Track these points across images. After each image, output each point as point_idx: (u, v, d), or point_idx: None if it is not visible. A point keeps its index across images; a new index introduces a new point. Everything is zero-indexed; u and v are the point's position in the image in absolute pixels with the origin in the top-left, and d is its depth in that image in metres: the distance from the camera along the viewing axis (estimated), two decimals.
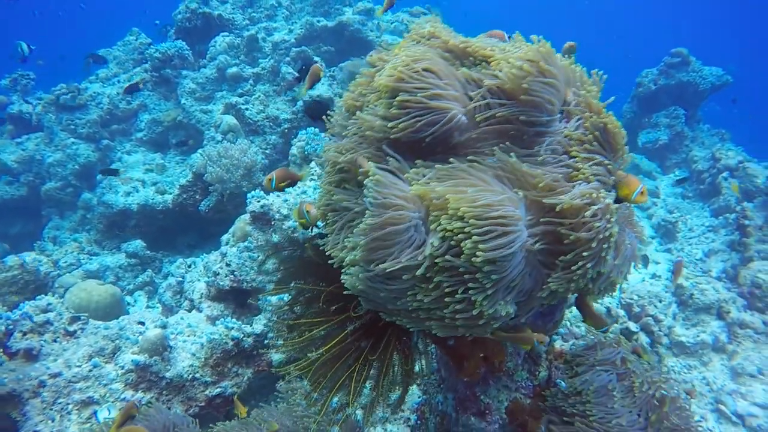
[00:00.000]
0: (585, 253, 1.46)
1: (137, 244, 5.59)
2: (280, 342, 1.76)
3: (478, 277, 1.38)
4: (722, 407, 3.78)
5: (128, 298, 5.41)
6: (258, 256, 3.75)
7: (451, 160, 1.57)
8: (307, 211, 1.73)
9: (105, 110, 6.82)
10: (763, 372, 3.98)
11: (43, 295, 5.07)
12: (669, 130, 8.62)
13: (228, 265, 3.76)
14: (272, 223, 3.80)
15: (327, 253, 1.65)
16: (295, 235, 3.47)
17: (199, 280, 4.08)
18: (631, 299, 4.28)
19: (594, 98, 1.87)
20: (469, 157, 1.63)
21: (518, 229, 1.47)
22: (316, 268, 1.88)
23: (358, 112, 1.72)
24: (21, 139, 6.98)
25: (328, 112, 1.80)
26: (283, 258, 1.94)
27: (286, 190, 4.03)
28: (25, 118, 7.19)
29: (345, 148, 1.71)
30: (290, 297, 1.89)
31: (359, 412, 2.10)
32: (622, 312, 4.15)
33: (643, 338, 4.00)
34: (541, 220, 1.53)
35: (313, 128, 5.02)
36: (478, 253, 1.32)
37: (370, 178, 1.44)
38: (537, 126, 1.61)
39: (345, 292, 1.68)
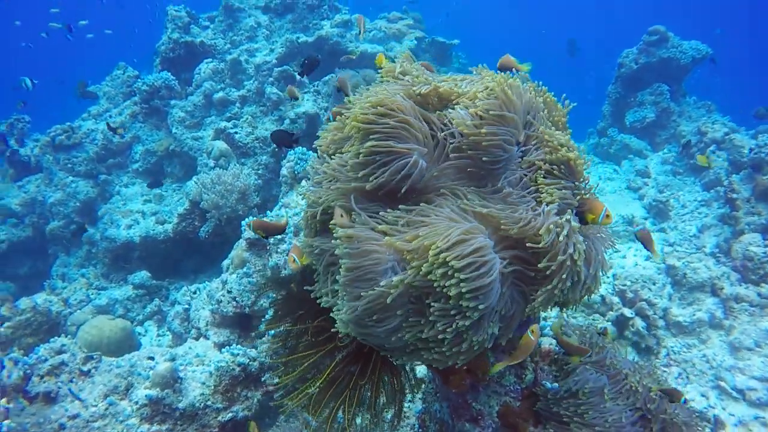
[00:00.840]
0: (563, 275, 1.60)
1: (142, 275, 5.75)
2: (276, 380, 1.89)
3: (465, 310, 1.50)
4: (722, 383, 3.88)
5: (139, 329, 5.57)
6: (257, 281, 3.89)
7: (421, 205, 1.69)
8: (294, 260, 1.85)
9: (100, 146, 6.98)
10: (760, 344, 4.07)
11: (56, 337, 5.26)
12: (655, 107, 8.68)
13: (229, 292, 3.89)
14: (268, 247, 3.94)
15: (314, 295, 1.78)
16: (281, 274, 3.60)
17: (203, 308, 4.22)
18: (625, 285, 4.38)
19: (562, 125, 1.99)
20: (435, 202, 1.75)
21: (493, 257, 1.60)
22: (302, 303, 2.00)
23: (326, 164, 1.85)
24: (22, 181, 7.16)
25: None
26: (273, 299, 2.06)
27: (281, 214, 4.16)
28: (24, 161, 7.37)
29: (322, 197, 1.83)
30: (282, 333, 2.01)
31: None
32: (616, 299, 4.25)
33: (639, 323, 4.10)
34: (517, 254, 1.66)
35: (301, 148, 5.14)
36: (462, 288, 1.44)
37: (340, 234, 1.56)
38: (496, 164, 1.74)
39: (332, 323, 1.81)
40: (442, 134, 1.80)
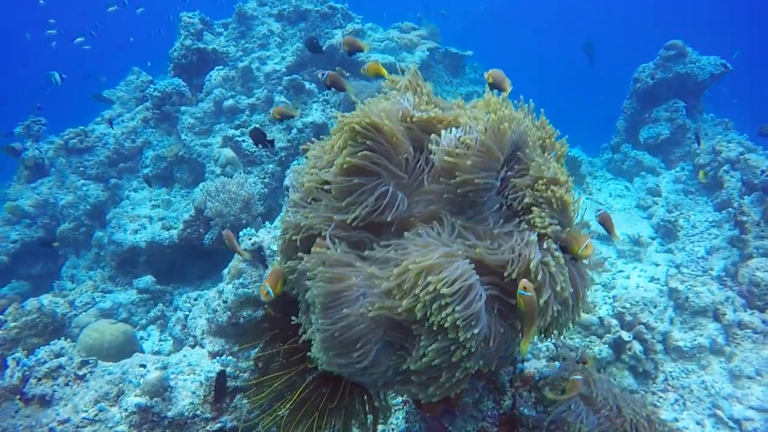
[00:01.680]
0: (548, 310, 1.59)
1: (147, 279, 5.83)
2: (245, 402, 1.90)
3: (463, 341, 1.49)
4: (719, 412, 3.78)
5: (142, 333, 5.65)
6: (252, 291, 3.92)
7: (404, 235, 1.69)
8: (268, 292, 1.86)
9: (112, 150, 7.12)
10: (761, 373, 3.96)
11: (56, 339, 5.36)
12: (670, 124, 8.54)
13: (225, 302, 3.93)
14: (265, 259, 3.97)
15: (294, 323, 1.78)
16: (255, 294, 3.62)
17: (200, 316, 4.27)
18: (624, 307, 4.31)
19: (558, 157, 1.97)
20: (416, 229, 1.74)
21: (476, 279, 1.60)
22: (276, 323, 2.01)
23: (309, 180, 1.86)
24: (35, 183, 7.34)
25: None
26: (247, 318, 2.08)
27: (275, 225, 4.20)
28: (38, 163, 7.56)
29: (304, 221, 1.83)
30: (255, 353, 2.02)
31: None
32: (614, 321, 4.18)
33: (636, 347, 4.02)
34: (494, 280, 1.66)
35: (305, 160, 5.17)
36: (456, 315, 1.44)
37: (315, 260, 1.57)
38: (478, 195, 1.74)
39: (304, 347, 1.82)
40: (430, 157, 1.79)
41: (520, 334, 1.68)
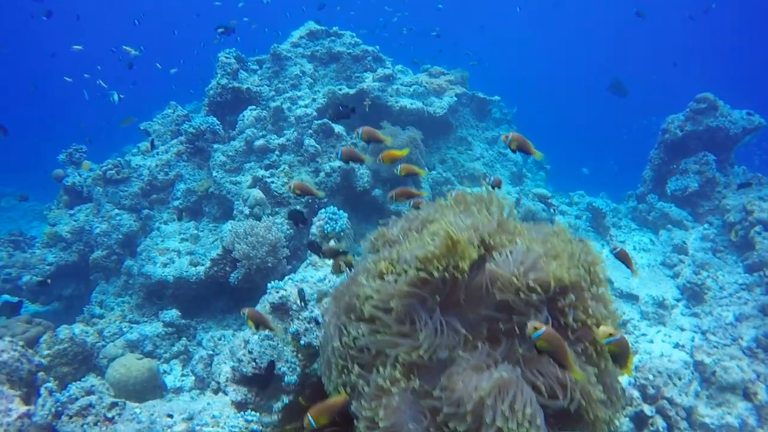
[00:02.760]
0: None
1: (173, 313, 5.98)
2: None
3: None
4: None
5: (164, 366, 5.77)
6: (277, 344, 4.00)
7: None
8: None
9: (145, 181, 7.38)
10: None
11: (89, 367, 5.52)
12: (699, 177, 8.45)
13: (250, 352, 4.02)
14: (290, 313, 4.06)
15: None
16: (301, 341, 3.70)
17: (225, 363, 4.36)
18: (647, 378, 4.25)
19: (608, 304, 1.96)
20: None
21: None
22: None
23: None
24: (74, 210, 7.64)
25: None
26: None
27: (304, 278, 4.30)
28: (77, 190, 7.88)
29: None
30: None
31: None
32: (636, 393, 4.12)
33: (660, 422, 3.95)
34: None
35: (332, 207, 5.30)
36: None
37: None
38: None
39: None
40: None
41: None
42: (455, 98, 8.09)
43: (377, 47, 8.47)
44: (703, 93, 8.62)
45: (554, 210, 7.73)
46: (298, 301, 3.99)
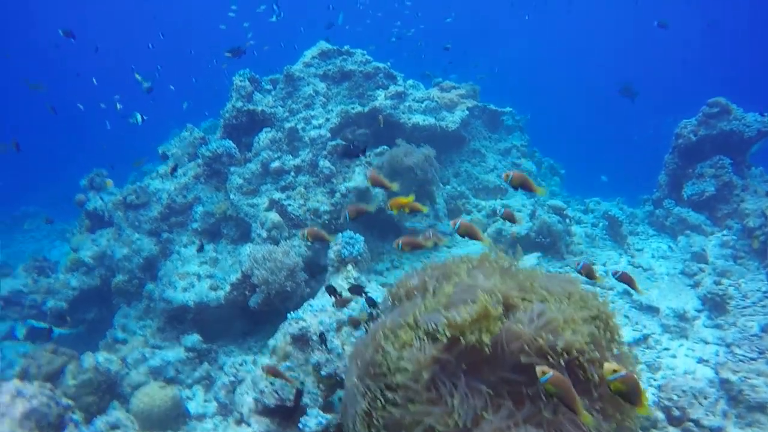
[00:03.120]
0: None
1: (194, 339, 6.07)
2: None
3: None
4: None
5: (187, 392, 5.86)
6: (299, 375, 4.05)
7: None
8: None
9: (164, 205, 7.51)
10: None
11: (113, 395, 5.62)
12: (715, 181, 8.34)
13: (272, 384, 4.07)
14: (310, 343, 4.11)
15: None
16: (322, 372, 3.75)
17: (247, 393, 4.42)
18: (671, 399, 4.21)
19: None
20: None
21: None
22: None
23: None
24: (95, 234, 7.80)
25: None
26: None
27: (323, 307, 4.34)
28: (99, 214, 8.06)
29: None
30: None
31: None
32: (661, 415, 4.09)
33: None
34: None
35: (349, 232, 5.35)
36: None
37: None
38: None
39: None
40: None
41: None
42: (467, 112, 8.10)
43: (388, 63, 8.52)
44: (715, 98, 8.51)
45: (570, 221, 7.69)
46: (320, 345, 4.02)
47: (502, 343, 1.74)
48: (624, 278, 4.01)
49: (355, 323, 3.50)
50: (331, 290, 3.93)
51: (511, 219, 3.52)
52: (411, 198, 3.34)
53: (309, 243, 4.89)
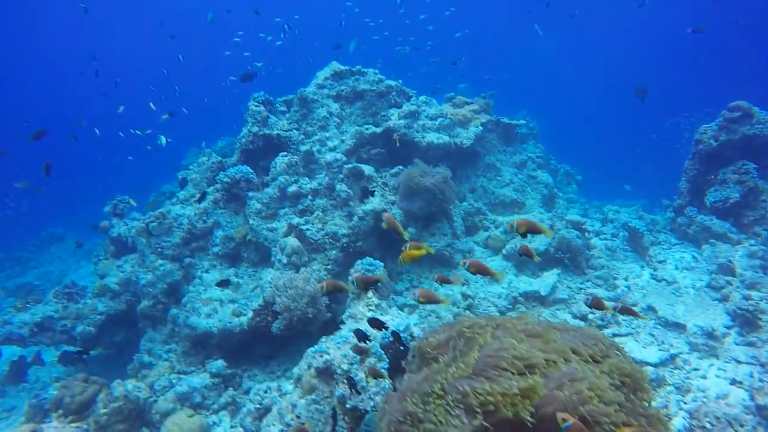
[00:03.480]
0: None
1: (219, 364, 6.16)
2: None
3: None
4: None
5: (213, 418, 5.94)
6: (324, 409, 4.08)
7: None
8: None
9: (186, 230, 7.64)
10: None
11: (143, 423, 5.72)
12: (740, 186, 8.17)
13: (298, 417, 4.12)
14: (335, 377, 4.14)
15: None
16: (347, 405, 3.78)
17: (274, 425, 4.47)
18: (704, 427, 4.13)
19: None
20: None
21: None
22: None
23: None
24: (120, 261, 7.98)
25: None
26: None
27: (346, 339, 4.37)
28: (122, 240, 8.24)
29: None
30: None
31: None
32: None
33: None
34: None
35: (369, 259, 5.38)
36: None
37: None
38: None
39: None
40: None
41: None
42: (480, 127, 8.08)
43: (400, 81, 8.56)
44: (736, 101, 8.35)
45: (589, 234, 7.60)
46: (342, 366, 4.05)
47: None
48: (625, 311, 3.92)
49: (375, 374, 3.55)
50: (361, 336, 3.97)
51: (529, 254, 3.51)
52: (423, 251, 3.42)
53: (327, 293, 4.96)
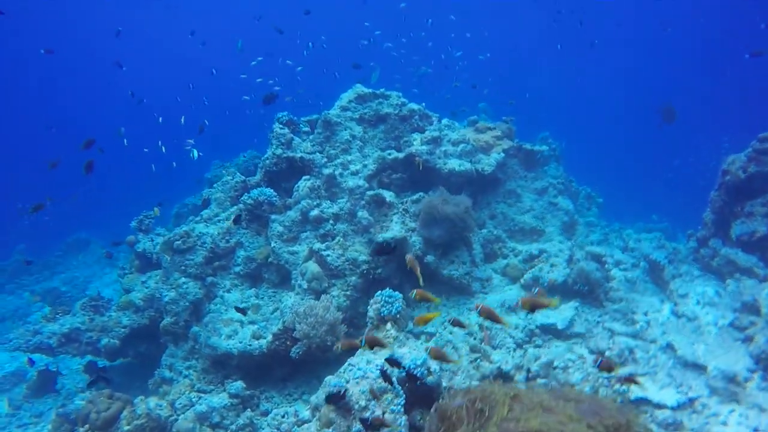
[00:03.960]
0: None
1: (238, 385, 6.29)
2: None
3: None
4: None
5: None
6: None
7: None
8: None
9: (209, 249, 7.83)
10: None
11: None
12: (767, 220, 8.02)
13: None
14: (352, 412, 4.22)
15: None
16: None
17: None
18: None
19: None
20: None
21: None
22: None
23: None
24: (145, 276, 8.21)
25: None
26: None
27: (365, 373, 4.45)
28: (147, 256, 8.48)
29: None
30: None
31: None
32: None
33: None
34: None
35: (388, 290, 5.46)
36: None
37: None
38: None
39: None
40: None
41: None
42: (502, 154, 8.12)
43: (423, 104, 8.66)
44: (766, 132, 8.22)
45: (609, 266, 7.55)
46: (360, 402, 4.13)
47: None
48: (606, 366, 3.75)
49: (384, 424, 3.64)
50: (386, 377, 4.06)
51: (541, 306, 3.47)
52: (437, 314, 3.62)
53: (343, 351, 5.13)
